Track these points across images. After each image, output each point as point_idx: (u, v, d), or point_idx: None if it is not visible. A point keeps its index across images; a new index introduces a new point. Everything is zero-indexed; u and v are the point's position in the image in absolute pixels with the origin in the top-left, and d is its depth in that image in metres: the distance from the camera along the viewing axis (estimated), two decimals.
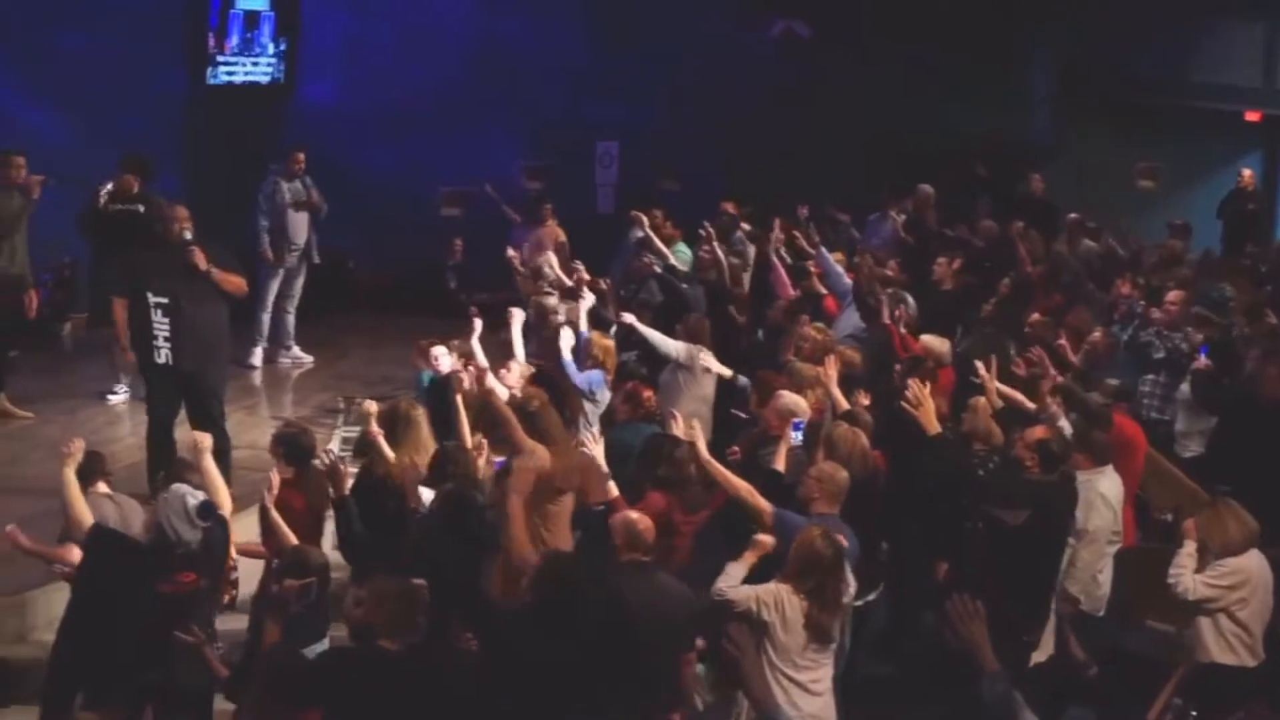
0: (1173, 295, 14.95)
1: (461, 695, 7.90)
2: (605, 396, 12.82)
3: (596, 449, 9.81)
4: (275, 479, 10.04)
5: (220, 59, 21.25)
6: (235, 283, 13.41)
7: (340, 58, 23.62)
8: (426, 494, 10.07)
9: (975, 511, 10.52)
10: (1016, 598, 9.86)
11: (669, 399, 12.89)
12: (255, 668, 8.18)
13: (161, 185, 16.35)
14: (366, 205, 22.38)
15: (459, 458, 10.22)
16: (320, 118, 22.90)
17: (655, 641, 8.60)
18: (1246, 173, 23.16)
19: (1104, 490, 10.93)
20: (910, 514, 11.32)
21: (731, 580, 8.87)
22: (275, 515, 9.84)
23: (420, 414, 11.06)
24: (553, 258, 16.76)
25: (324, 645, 9.41)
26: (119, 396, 16.21)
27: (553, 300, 15.06)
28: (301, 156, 18.53)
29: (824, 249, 17.02)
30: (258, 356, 18.23)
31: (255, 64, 22.02)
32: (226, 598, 10.33)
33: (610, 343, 13.51)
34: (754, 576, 8.99)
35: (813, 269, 16.49)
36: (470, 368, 12.81)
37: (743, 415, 12.69)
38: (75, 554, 9.85)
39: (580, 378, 12.69)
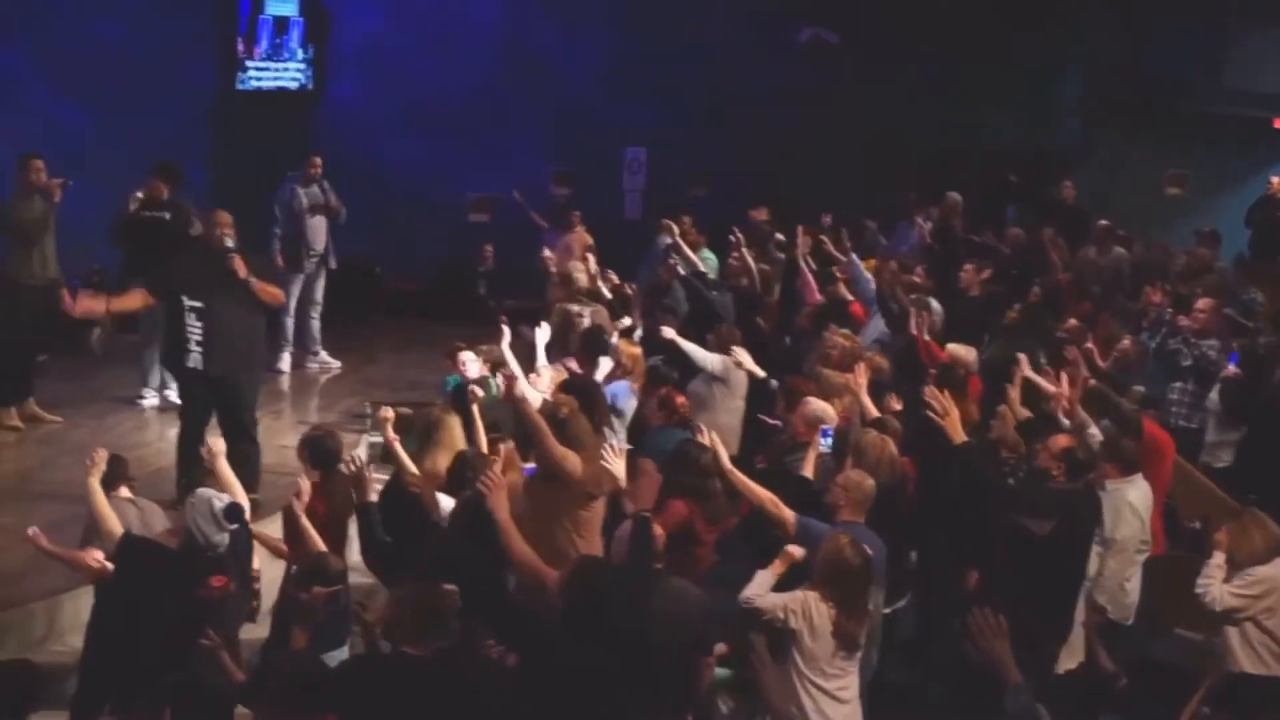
0: (1202, 303, 14.90)
1: (485, 700, 7.89)
2: (630, 406, 12.77)
3: (618, 464, 9.75)
4: (306, 485, 10.01)
5: (250, 64, 21.29)
6: (272, 293, 13.47)
7: (367, 62, 23.65)
8: (447, 501, 10.07)
9: (1002, 520, 10.49)
10: (1040, 607, 9.84)
11: (699, 409, 12.85)
12: (271, 673, 8.22)
13: (189, 188, 16.37)
14: (394, 210, 22.47)
15: (477, 464, 10.19)
16: (348, 123, 22.97)
17: (670, 646, 8.58)
18: (1275, 180, 23.05)
19: (1132, 499, 10.90)
20: (938, 521, 11.30)
21: (759, 588, 8.85)
22: (305, 522, 9.82)
23: (453, 419, 11.05)
24: (591, 262, 16.72)
25: (344, 651, 9.41)
26: (148, 401, 16.24)
27: (577, 307, 15.05)
28: (318, 161, 18.51)
29: (854, 255, 17.01)
30: (285, 361, 18.25)
31: (284, 70, 22.06)
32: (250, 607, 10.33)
33: (637, 350, 13.47)
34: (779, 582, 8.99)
35: (840, 275, 16.48)
36: (499, 374, 12.79)
37: (770, 421, 12.66)
38: (96, 558, 9.91)
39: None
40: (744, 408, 13.38)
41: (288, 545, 10.41)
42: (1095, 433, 11.57)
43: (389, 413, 10.94)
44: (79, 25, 19.37)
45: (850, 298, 16.02)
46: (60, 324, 16.31)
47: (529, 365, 13.13)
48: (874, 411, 11.64)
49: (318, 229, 18.38)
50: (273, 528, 11.12)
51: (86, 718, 9.21)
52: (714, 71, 24.17)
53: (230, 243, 13.03)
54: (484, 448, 11.12)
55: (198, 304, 12.80)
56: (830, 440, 10.85)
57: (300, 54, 22.33)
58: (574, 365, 13.39)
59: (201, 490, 9.61)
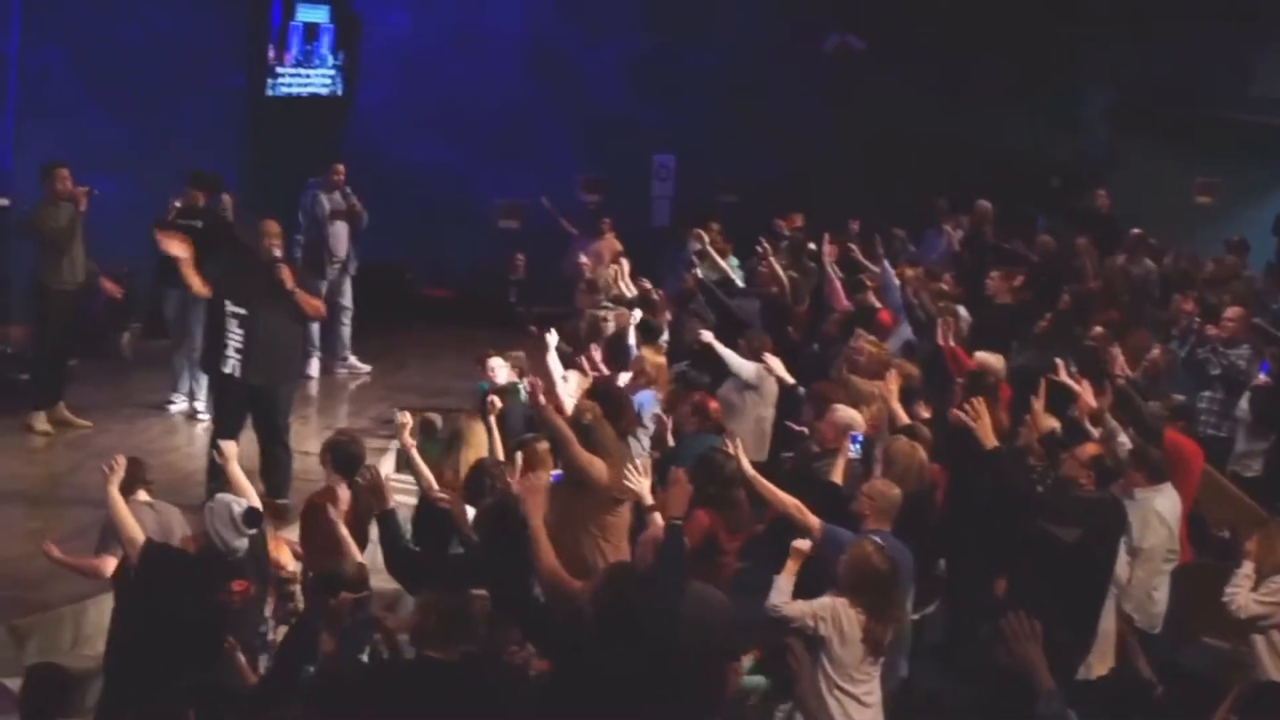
0: (1231, 312, 14.88)
1: (508, 705, 7.91)
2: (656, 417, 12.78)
3: (643, 483, 9.67)
4: (345, 494, 9.94)
5: (280, 70, 21.35)
6: (315, 305, 13.60)
7: (397, 68, 23.70)
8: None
9: (1030, 526, 10.48)
10: (1065, 614, 9.83)
11: (730, 416, 12.87)
12: (288, 679, 8.28)
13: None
14: (424, 216, 22.52)
15: (494, 471, 10.19)
16: (378, 129, 23.01)
17: (696, 652, 8.58)
18: None
19: (1160, 508, 10.89)
20: (968, 526, 11.27)
21: (783, 594, 8.84)
22: (344, 531, 9.79)
23: (478, 426, 11.06)
24: (625, 265, 16.72)
25: (363, 658, 9.39)
26: (177, 406, 16.28)
27: (603, 312, 15.05)
28: (340, 168, 18.57)
29: (886, 262, 17.01)
30: (314, 367, 18.26)
31: (314, 76, 22.11)
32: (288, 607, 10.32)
33: (662, 359, 13.48)
34: (803, 590, 8.98)
35: (869, 283, 16.47)
36: (525, 380, 12.76)
37: (796, 427, 12.66)
38: (110, 565, 9.93)
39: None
40: (774, 414, 13.38)
41: (305, 549, 10.43)
42: (1124, 441, 11.56)
43: (406, 418, 10.90)
44: (111, 27, 19.40)
45: (878, 305, 16.00)
46: (90, 328, 16.40)
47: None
48: (904, 418, 11.63)
49: (340, 235, 18.42)
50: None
51: None
52: (742, 79, 24.18)
53: (278, 253, 13.10)
54: (500, 455, 11.12)
55: (241, 311, 12.84)
56: (859, 446, 10.85)
57: (330, 60, 22.37)
58: (594, 358, 13.40)
59: (220, 495, 9.64)
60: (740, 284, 16.82)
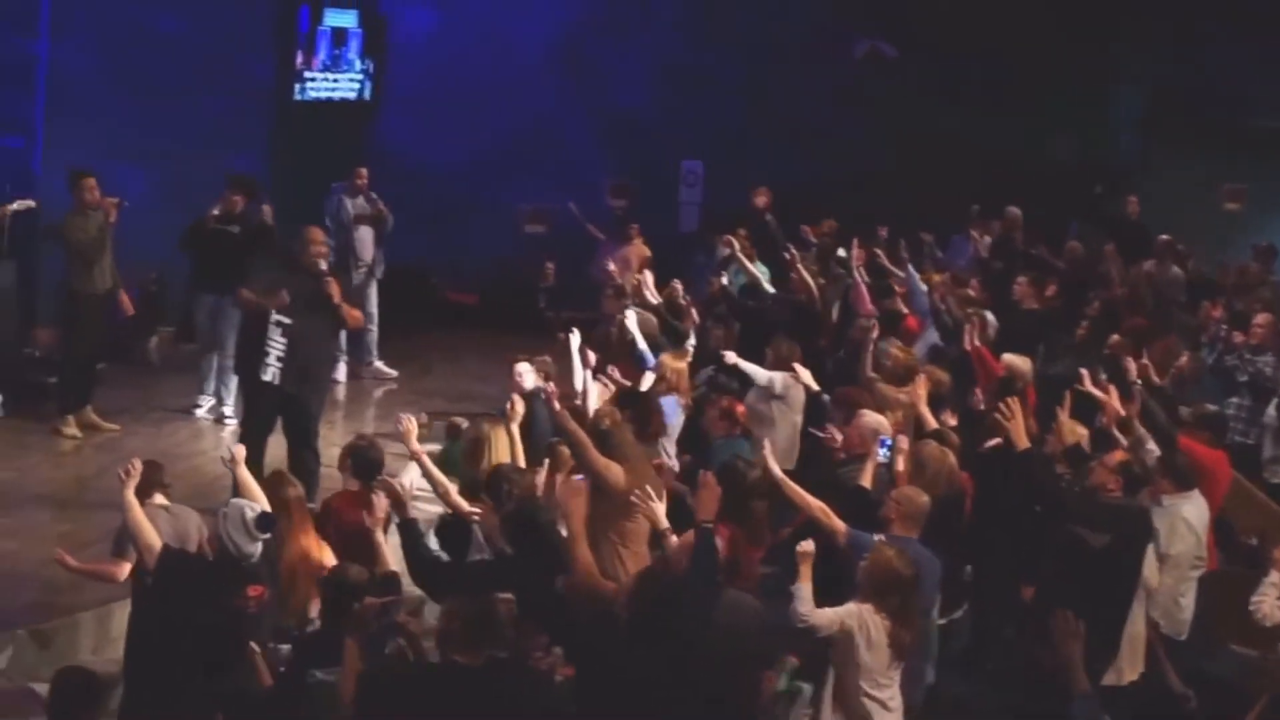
0: (1260, 319, 14.87)
1: (532, 710, 7.91)
2: (677, 422, 12.77)
3: (658, 508, 9.49)
4: (382, 502, 9.90)
5: (308, 75, 21.38)
6: (355, 317, 13.70)
7: (424, 74, 23.69)
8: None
9: (1059, 529, 10.48)
10: (1093, 619, 9.80)
11: (758, 424, 12.86)
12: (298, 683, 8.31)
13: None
14: (450, 220, 22.52)
15: (514, 477, 10.18)
16: (404, 134, 23.05)
17: (729, 658, 8.58)
18: None
19: (1187, 515, 10.86)
20: (996, 530, 11.24)
21: (806, 603, 8.81)
22: (380, 537, 9.77)
23: (500, 432, 11.04)
24: (648, 276, 16.71)
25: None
26: (203, 409, 16.31)
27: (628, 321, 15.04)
28: (364, 172, 18.60)
29: (912, 268, 16.99)
30: (341, 372, 18.26)
31: (342, 80, 22.15)
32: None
33: (683, 365, 13.47)
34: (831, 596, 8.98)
35: (898, 289, 16.46)
36: (550, 384, 12.74)
37: (822, 434, 12.64)
38: (124, 570, 9.98)
39: None
40: (801, 422, 13.37)
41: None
42: (1152, 448, 11.55)
43: (411, 425, 10.75)
44: (139, 29, 19.47)
45: (906, 310, 15.99)
46: (119, 332, 16.45)
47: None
48: (933, 422, 11.63)
49: (364, 239, 18.44)
50: None
51: None
52: (771, 84, 24.15)
53: (324, 264, 13.13)
54: (521, 461, 11.11)
55: (285, 320, 12.85)
56: (888, 449, 10.84)
57: (358, 65, 22.40)
58: (616, 375, 13.40)
59: (234, 500, 9.65)
60: (770, 289, 16.76)
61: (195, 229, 15.97)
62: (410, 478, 11.14)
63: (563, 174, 23.11)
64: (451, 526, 10.36)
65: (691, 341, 15.09)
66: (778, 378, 13.38)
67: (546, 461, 10.90)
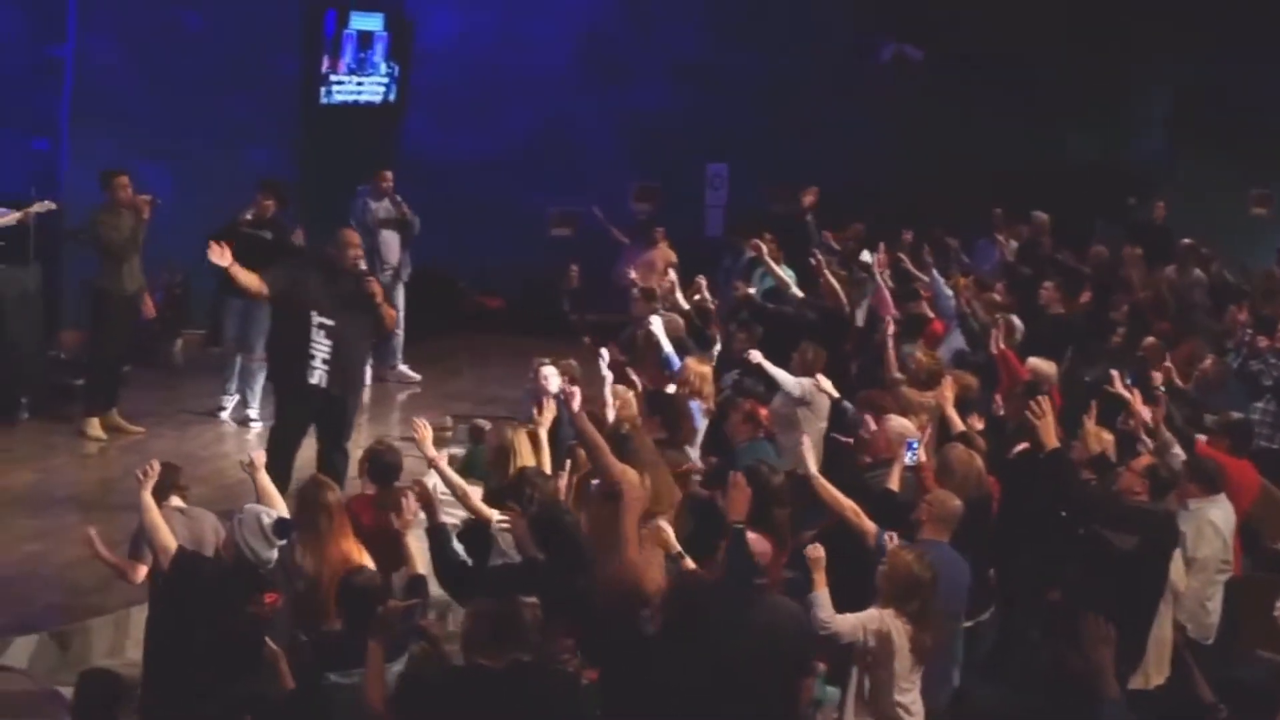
0: None
1: (561, 714, 7.90)
2: (701, 426, 12.74)
3: (670, 531, 9.42)
4: (411, 504, 9.88)
5: (334, 78, 21.41)
6: (392, 317, 13.73)
7: (450, 76, 23.74)
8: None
9: (1086, 529, 10.46)
10: (1119, 622, 9.77)
11: (783, 429, 12.84)
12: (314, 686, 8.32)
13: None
14: (475, 223, 22.54)
15: (537, 481, 10.16)
16: (429, 137, 23.09)
17: (769, 663, 8.56)
18: None
19: (1214, 518, 10.85)
20: (1021, 530, 11.20)
21: (827, 609, 8.79)
22: (407, 540, 9.76)
23: (523, 437, 11.01)
24: (672, 276, 16.69)
25: (403, 664, 9.34)
26: (228, 411, 16.33)
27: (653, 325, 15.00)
28: (389, 175, 18.58)
29: (935, 272, 16.97)
30: (365, 374, 18.25)
31: (367, 83, 22.18)
32: None
33: (707, 369, 13.44)
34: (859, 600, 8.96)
35: (924, 293, 16.43)
36: (563, 387, 12.67)
37: (844, 439, 12.62)
38: (140, 572, 10.00)
39: None
40: (825, 428, 13.35)
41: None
42: (1179, 452, 11.52)
43: (426, 431, 10.59)
44: (166, 32, 19.56)
45: (931, 315, 15.97)
46: (144, 334, 16.47)
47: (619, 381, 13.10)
48: (960, 425, 11.60)
49: (390, 242, 18.42)
50: None
51: None
52: (796, 87, 24.13)
53: (363, 265, 13.16)
54: (548, 466, 11.08)
55: (329, 322, 12.84)
56: (915, 451, 10.82)
57: (384, 68, 22.43)
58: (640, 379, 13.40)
59: (249, 506, 9.63)
60: (798, 293, 16.72)
61: (227, 232, 15.99)
62: (433, 482, 11.12)
63: (587, 176, 23.16)
64: (473, 531, 10.33)
65: (717, 347, 15.07)
66: (803, 383, 13.36)
67: (568, 463, 10.90)
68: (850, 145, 23.67)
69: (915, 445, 10.90)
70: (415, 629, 9.12)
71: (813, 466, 10.24)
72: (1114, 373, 12.72)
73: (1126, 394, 12.31)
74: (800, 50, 24.08)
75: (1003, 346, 14.13)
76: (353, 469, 12.25)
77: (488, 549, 10.02)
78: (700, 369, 13.29)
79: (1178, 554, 10.53)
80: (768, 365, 13.53)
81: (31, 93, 18.54)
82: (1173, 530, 10.49)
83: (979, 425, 12.00)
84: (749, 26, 24.31)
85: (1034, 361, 13.75)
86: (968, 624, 10.01)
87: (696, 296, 16.16)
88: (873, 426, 11.44)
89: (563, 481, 10.67)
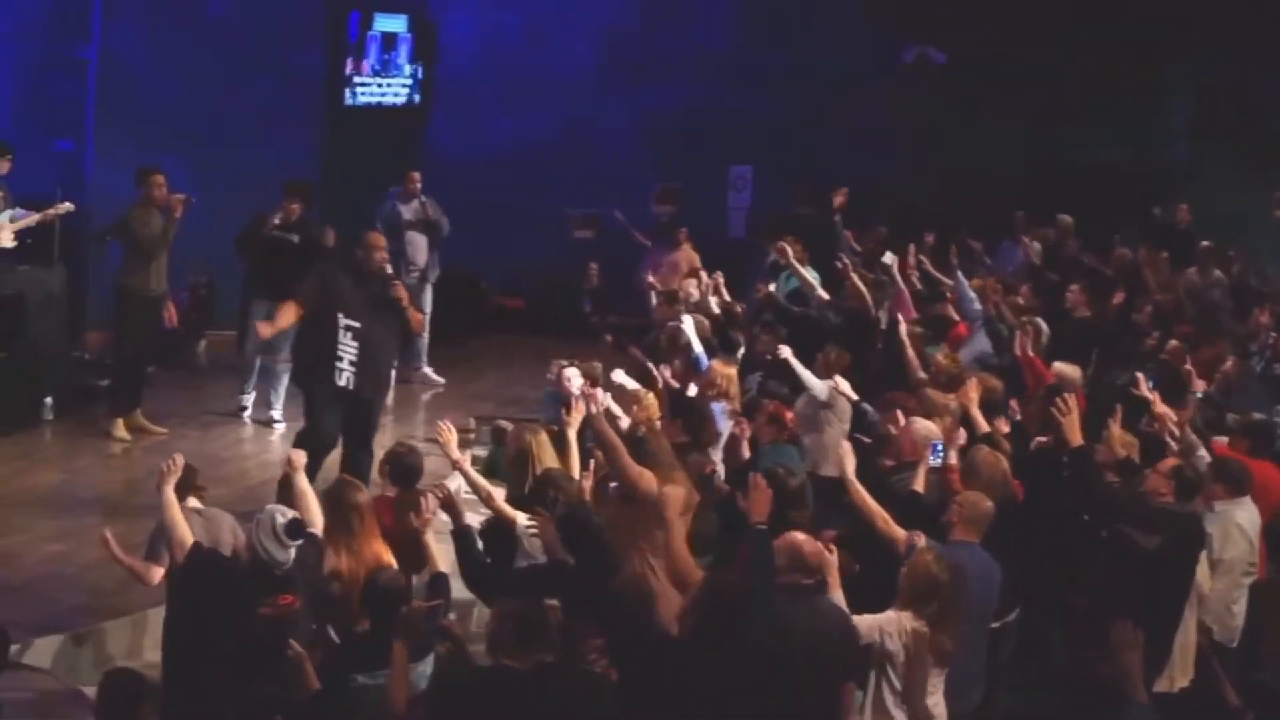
0: None
1: (586, 713, 7.89)
2: (725, 429, 12.71)
3: (691, 565, 9.50)
4: (432, 503, 9.85)
5: (358, 80, 21.45)
6: (419, 320, 13.76)
7: (473, 78, 23.80)
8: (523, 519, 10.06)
9: (1111, 528, 10.44)
10: (1144, 623, 9.76)
11: (807, 431, 12.83)
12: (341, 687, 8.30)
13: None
14: (499, 225, 22.55)
15: (561, 483, 10.15)
16: (453, 138, 23.11)
17: (814, 666, 8.52)
18: None
19: (1240, 520, 10.81)
20: (1045, 531, 11.16)
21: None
22: (428, 538, 9.73)
23: (543, 439, 10.99)
24: (696, 281, 16.67)
25: (428, 665, 9.33)
26: (249, 410, 16.35)
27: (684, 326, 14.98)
28: (417, 176, 18.60)
29: (960, 274, 16.94)
30: (390, 376, 18.26)
31: (392, 85, 22.22)
32: None
33: (733, 371, 13.42)
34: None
35: (948, 295, 16.41)
36: (581, 387, 12.64)
37: (866, 440, 12.60)
38: (157, 574, 10.03)
39: None
40: (848, 430, 13.33)
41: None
42: (1204, 454, 11.49)
43: (450, 433, 10.57)
44: (187, 15, 19.63)
45: (955, 317, 15.94)
46: (169, 335, 16.49)
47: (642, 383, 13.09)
48: (984, 426, 11.57)
49: (418, 244, 18.45)
50: None
51: None
52: (821, 89, 24.10)
53: (389, 268, 13.18)
54: (575, 468, 11.06)
55: (356, 324, 12.87)
56: (940, 453, 10.79)
57: (408, 70, 22.47)
58: (667, 376, 13.40)
59: (269, 506, 9.61)
60: (824, 295, 16.70)
61: (252, 232, 16.02)
62: (456, 484, 11.12)
63: (609, 177, 23.18)
64: (496, 531, 10.33)
65: (742, 350, 15.06)
66: (827, 386, 13.34)
67: (591, 464, 10.89)
68: (873, 147, 23.65)
69: (940, 447, 10.87)
70: (439, 629, 9.12)
71: (850, 471, 10.20)
72: (1139, 375, 12.70)
73: (1150, 396, 12.29)
74: (823, 52, 24.06)
75: (1029, 351, 14.09)
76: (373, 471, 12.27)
77: (512, 549, 10.01)
78: (726, 370, 13.26)
79: (1203, 556, 10.50)
80: (796, 364, 13.52)
81: (55, 94, 18.59)
82: (1199, 532, 10.46)
83: (1005, 429, 11.97)
84: (772, 28, 24.31)
85: (1059, 366, 13.73)
86: (994, 625, 9.98)
87: (713, 297, 16.15)
88: (901, 420, 11.44)
89: (587, 483, 10.66)
